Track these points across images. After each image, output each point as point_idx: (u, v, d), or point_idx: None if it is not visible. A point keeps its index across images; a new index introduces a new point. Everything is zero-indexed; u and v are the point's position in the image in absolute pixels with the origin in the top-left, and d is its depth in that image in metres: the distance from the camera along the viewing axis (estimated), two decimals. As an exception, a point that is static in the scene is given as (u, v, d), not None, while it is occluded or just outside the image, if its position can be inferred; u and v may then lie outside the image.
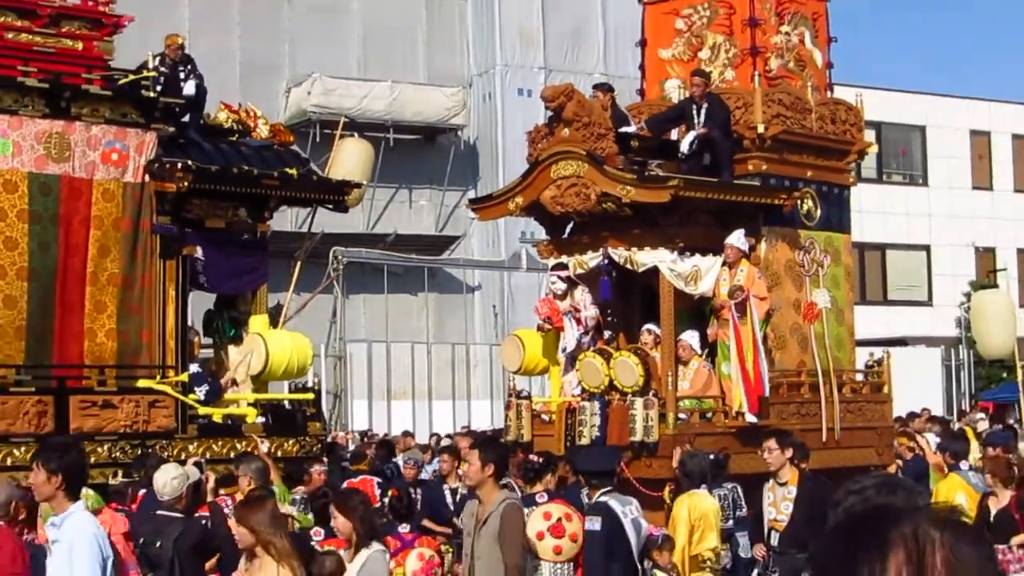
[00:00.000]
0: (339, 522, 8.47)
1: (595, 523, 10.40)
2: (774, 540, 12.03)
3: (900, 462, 16.73)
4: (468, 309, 39.09)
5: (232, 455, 14.44)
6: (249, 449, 14.66)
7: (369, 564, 8.08)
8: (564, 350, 15.42)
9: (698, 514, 11.35)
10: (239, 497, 11.20)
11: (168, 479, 10.21)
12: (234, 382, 16.06)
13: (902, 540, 2.05)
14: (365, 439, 25.80)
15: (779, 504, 11.85)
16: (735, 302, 14.53)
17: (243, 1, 36.63)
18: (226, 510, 11.23)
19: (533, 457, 12.49)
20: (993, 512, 12.42)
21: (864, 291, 38.91)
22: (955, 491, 12.77)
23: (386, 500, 13.09)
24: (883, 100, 40.48)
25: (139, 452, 14.25)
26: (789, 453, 11.98)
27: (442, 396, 34.55)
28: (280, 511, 8.58)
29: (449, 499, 14.85)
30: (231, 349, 16.37)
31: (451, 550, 13.89)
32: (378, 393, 33.70)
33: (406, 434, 25.82)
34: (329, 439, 20.34)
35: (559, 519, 10.65)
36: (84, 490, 11.26)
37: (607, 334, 15.76)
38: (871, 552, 2.05)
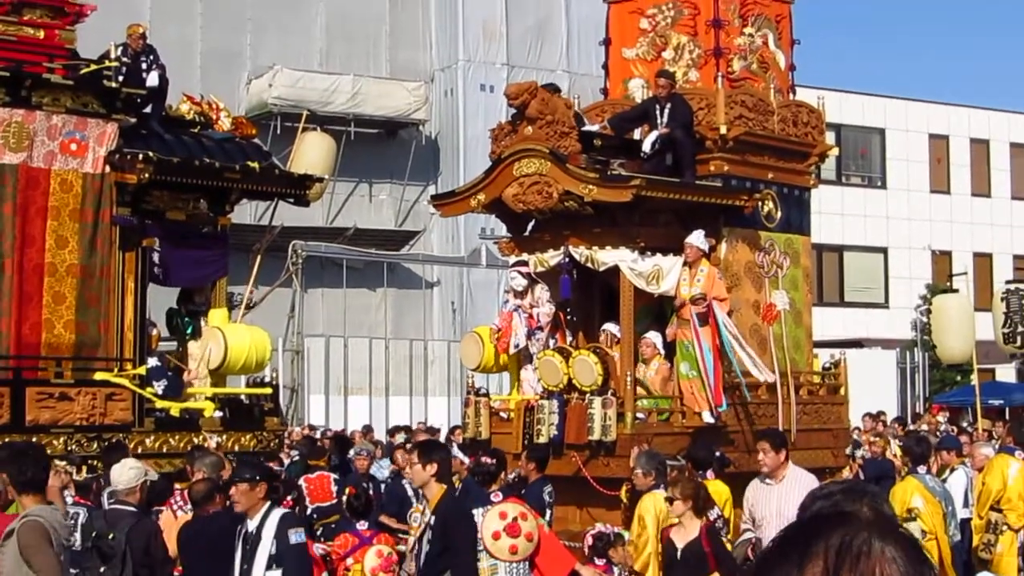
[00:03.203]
0: None
1: None
2: None
3: (859, 462, 16.69)
4: (427, 305, 39.05)
5: (190, 449, 14.37)
6: (203, 444, 14.59)
7: None
8: (517, 346, 15.38)
9: (665, 512, 11.26)
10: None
11: (124, 470, 10.11)
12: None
13: (823, 552, 2.06)
14: (317, 434, 25.28)
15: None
16: (698, 311, 14.52)
17: (205, -9, 36.46)
18: (175, 506, 11.19)
19: (486, 459, 12.33)
20: (680, 547, 10.41)
21: (821, 292, 39.09)
22: (911, 494, 12.76)
23: (344, 498, 13.04)
24: (843, 102, 40.69)
25: (95, 446, 14.14)
26: (432, 470, 9.75)
27: (399, 392, 34.48)
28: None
29: (411, 493, 14.78)
30: (191, 345, 16.27)
31: None
32: (335, 388, 33.59)
33: (367, 429, 25.67)
34: (286, 435, 20.14)
35: (514, 518, 10.58)
36: None
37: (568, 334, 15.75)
38: (790, 563, 2.07)
